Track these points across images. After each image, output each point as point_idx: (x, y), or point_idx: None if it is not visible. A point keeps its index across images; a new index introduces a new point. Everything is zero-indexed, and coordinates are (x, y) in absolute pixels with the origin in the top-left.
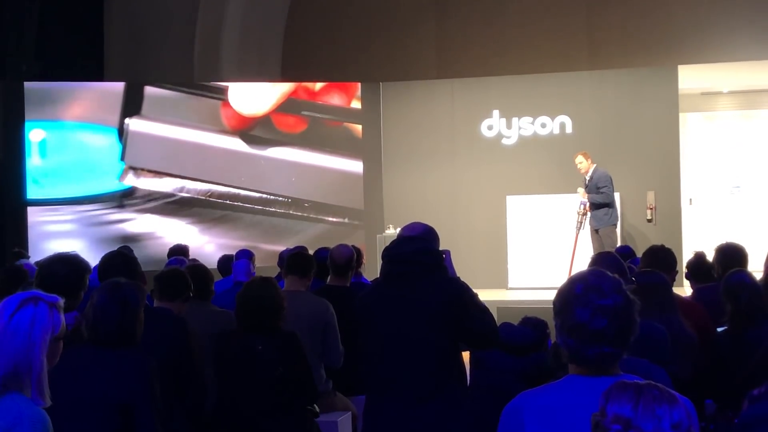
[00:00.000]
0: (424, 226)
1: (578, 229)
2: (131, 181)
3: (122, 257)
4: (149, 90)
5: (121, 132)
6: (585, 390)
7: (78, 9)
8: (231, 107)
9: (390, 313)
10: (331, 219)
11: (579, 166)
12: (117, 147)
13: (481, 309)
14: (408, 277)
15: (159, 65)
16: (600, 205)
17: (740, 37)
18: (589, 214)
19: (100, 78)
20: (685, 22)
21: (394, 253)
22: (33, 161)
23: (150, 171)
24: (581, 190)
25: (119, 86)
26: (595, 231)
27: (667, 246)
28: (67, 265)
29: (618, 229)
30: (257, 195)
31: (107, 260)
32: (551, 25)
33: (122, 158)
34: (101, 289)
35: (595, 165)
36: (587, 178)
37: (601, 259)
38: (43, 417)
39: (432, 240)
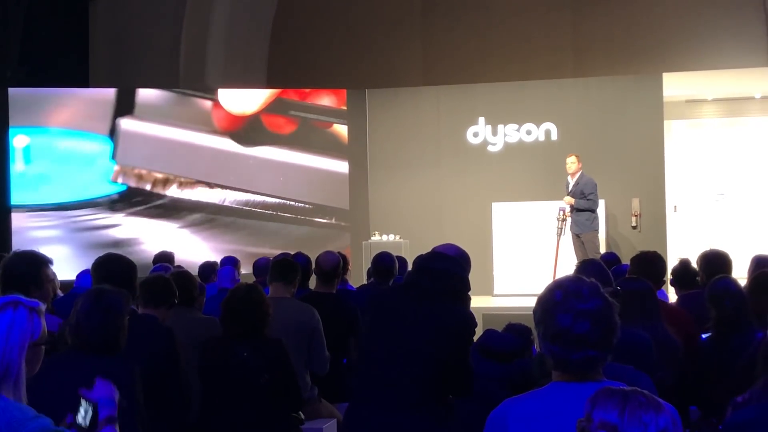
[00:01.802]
0: (459, 249)
1: (559, 235)
2: (122, 180)
3: (111, 265)
4: (141, 91)
5: (113, 132)
6: (570, 396)
7: (63, 15)
8: (222, 108)
9: (400, 318)
10: (317, 221)
11: (570, 165)
12: (102, 152)
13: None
14: (431, 292)
15: (145, 72)
16: (583, 209)
17: (724, 46)
18: (568, 219)
19: (85, 84)
20: (669, 31)
21: (426, 265)
22: (17, 167)
23: (141, 170)
24: (568, 198)
25: (104, 92)
26: (576, 236)
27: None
28: (24, 259)
29: (603, 236)
30: (245, 196)
31: (98, 266)
32: (537, 32)
33: (113, 158)
34: (85, 295)
35: (582, 171)
36: (571, 182)
37: (585, 267)
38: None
39: (465, 265)
